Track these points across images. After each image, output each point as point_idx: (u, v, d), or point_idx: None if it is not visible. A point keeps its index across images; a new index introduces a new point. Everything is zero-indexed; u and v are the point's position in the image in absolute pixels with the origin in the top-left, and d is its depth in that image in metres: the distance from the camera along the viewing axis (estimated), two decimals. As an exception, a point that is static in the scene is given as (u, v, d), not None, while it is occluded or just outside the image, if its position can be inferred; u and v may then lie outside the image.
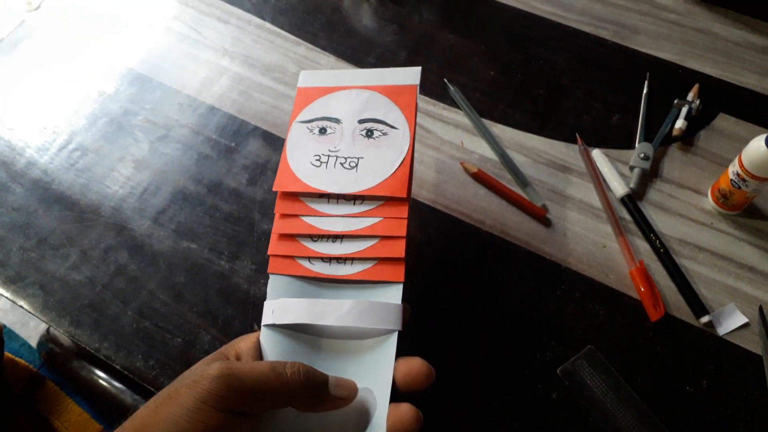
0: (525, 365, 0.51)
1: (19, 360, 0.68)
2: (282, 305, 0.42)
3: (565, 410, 0.49)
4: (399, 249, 0.42)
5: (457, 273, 0.55)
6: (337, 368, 0.40)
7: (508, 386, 0.50)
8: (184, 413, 0.32)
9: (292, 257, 0.44)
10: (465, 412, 0.49)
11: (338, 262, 0.43)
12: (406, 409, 0.38)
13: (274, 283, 0.44)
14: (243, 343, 0.41)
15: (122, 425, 0.34)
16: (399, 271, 0.42)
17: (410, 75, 0.49)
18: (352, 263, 0.43)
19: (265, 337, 0.42)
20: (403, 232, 0.43)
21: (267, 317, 0.42)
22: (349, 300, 0.41)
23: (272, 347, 0.41)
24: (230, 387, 0.33)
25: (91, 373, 0.65)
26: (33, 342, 0.79)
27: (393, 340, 0.40)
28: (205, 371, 0.34)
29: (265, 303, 0.43)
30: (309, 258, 0.44)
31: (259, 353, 0.40)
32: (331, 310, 0.41)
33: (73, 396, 0.66)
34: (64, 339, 0.69)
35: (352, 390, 0.38)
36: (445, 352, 0.51)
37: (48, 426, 0.64)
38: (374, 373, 0.39)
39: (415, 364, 0.39)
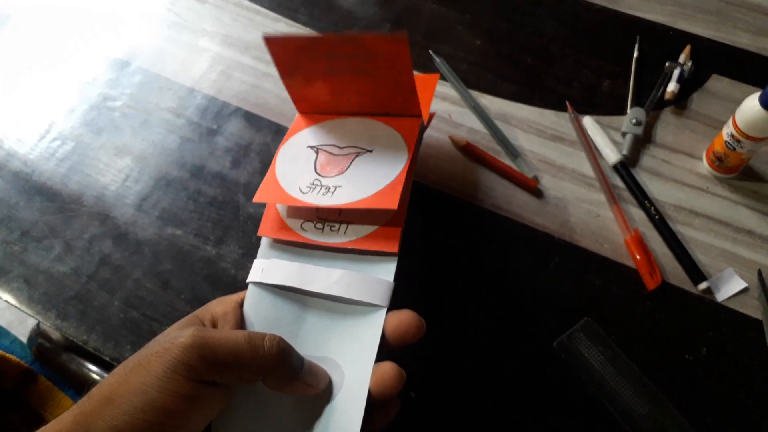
0: (520, 339, 0.50)
1: (11, 356, 0.67)
2: (272, 265, 0.41)
3: (563, 383, 0.48)
4: (393, 200, 0.40)
5: (449, 248, 0.54)
6: (321, 336, 0.40)
7: (504, 361, 0.49)
8: (154, 382, 0.31)
9: (283, 222, 0.43)
10: (461, 389, 0.48)
11: (331, 230, 0.42)
12: (387, 367, 0.37)
13: (264, 248, 0.43)
14: (219, 308, 0.39)
15: (89, 392, 0.33)
16: (393, 242, 0.41)
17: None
18: (345, 230, 0.42)
19: (251, 294, 0.41)
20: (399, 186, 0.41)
21: (255, 275, 0.41)
22: (339, 270, 0.40)
23: (257, 305, 0.40)
24: (202, 357, 0.32)
25: (81, 366, 0.64)
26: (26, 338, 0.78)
27: (380, 316, 0.39)
28: (176, 338, 0.32)
29: (255, 261, 0.42)
30: (301, 223, 0.43)
31: (236, 318, 0.39)
32: (320, 277, 0.40)
33: (66, 390, 0.65)
34: (54, 333, 0.68)
35: (323, 380, 0.37)
36: (438, 329, 0.50)
37: (42, 421, 0.63)
38: (358, 349, 0.38)
39: (405, 317, 0.38)
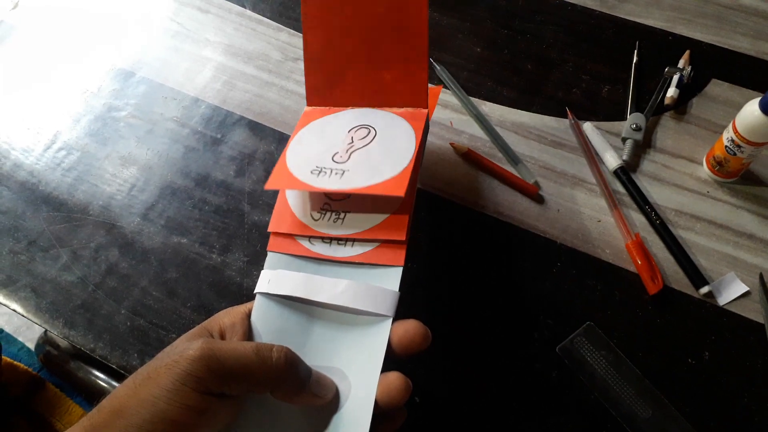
0: (523, 345, 0.50)
1: (18, 364, 0.68)
2: (279, 276, 0.42)
3: (566, 389, 0.48)
4: (401, 231, 0.42)
5: (451, 255, 0.54)
6: (328, 346, 0.40)
7: (507, 367, 0.50)
8: (163, 395, 0.31)
9: (292, 236, 0.44)
10: (464, 394, 0.49)
11: (338, 243, 0.43)
12: (394, 377, 0.37)
13: (272, 259, 0.43)
14: (227, 318, 0.39)
15: (100, 404, 0.33)
16: (399, 255, 0.41)
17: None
18: (352, 245, 0.42)
19: (258, 305, 0.41)
20: (407, 215, 0.42)
21: (262, 285, 0.42)
22: (345, 280, 0.40)
23: (264, 316, 0.41)
24: (210, 369, 0.32)
25: (88, 374, 0.65)
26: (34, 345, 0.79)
27: (386, 327, 0.39)
28: (185, 351, 0.33)
29: (263, 272, 0.42)
30: (309, 238, 0.43)
31: (244, 329, 0.39)
32: (326, 288, 0.40)
33: (73, 397, 0.66)
34: (61, 341, 0.69)
35: (330, 391, 0.37)
36: (441, 335, 0.51)
37: (50, 428, 0.63)
38: (365, 359, 0.38)
39: (411, 326, 0.38)
